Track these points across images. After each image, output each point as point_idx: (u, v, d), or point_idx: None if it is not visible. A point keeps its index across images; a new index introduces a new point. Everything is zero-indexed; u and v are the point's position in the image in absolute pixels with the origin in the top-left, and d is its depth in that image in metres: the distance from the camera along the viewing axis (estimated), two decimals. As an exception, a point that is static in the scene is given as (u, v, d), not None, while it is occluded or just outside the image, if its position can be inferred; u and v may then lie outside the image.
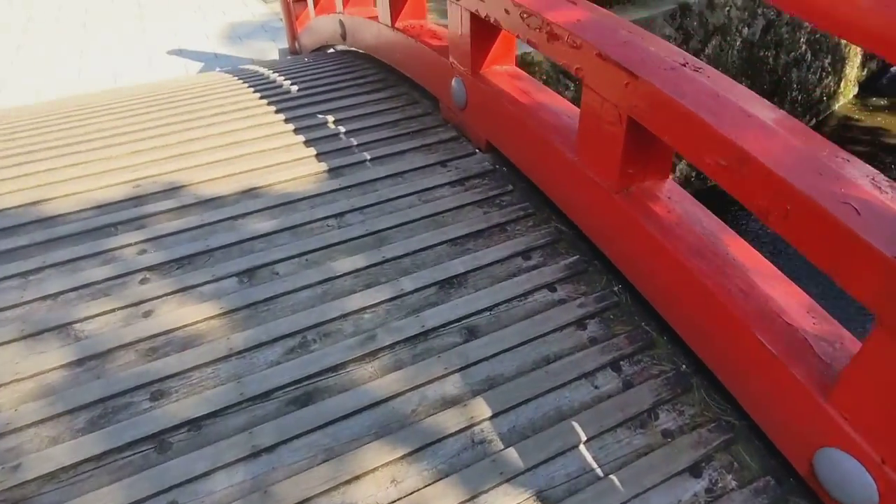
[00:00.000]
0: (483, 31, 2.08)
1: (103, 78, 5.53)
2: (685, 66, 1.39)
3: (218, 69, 5.69)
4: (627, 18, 6.99)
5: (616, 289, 1.71)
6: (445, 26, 2.34)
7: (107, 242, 1.88)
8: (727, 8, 7.38)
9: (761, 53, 8.12)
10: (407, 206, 2.02)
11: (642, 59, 1.42)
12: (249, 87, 3.19)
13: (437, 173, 2.19)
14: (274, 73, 3.49)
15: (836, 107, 9.62)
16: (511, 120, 2.02)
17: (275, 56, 5.68)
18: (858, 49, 9.80)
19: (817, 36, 8.85)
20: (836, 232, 1.02)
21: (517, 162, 2.10)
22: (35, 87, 5.37)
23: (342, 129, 2.52)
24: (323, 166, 2.24)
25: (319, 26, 4.17)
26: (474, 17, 2.05)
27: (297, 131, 2.52)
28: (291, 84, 3.14)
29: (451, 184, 2.12)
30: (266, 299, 1.66)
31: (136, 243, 1.88)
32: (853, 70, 9.86)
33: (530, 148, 1.97)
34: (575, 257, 1.80)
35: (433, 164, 2.24)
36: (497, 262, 1.79)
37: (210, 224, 1.95)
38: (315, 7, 4.24)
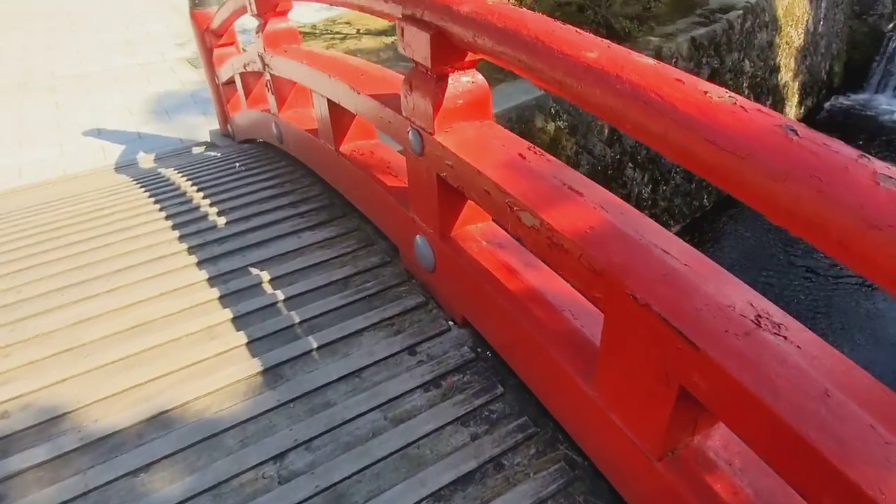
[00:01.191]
0: (453, 194, 1.66)
1: (5, 172, 4.83)
2: (760, 324, 0.99)
3: (142, 153, 5.10)
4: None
5: (661, 568, 1.27)
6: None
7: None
8: (674, 60, 7.35)
9: (709, 101, 8.14)
10: (370, 431, 1.54)
11: (699, 314, 1.01)
12: (166, 216, 2.66)
13: (404, 368, 1.72)
14: (198, 189, 2.97)
15: (781, 145, 9.78)
16: (496, 309, 1.59)
17: (206, 136, 5.14)
18: (795, 87, 10.10)
19: (758, 80, 9.03)
20: None
21: (507, 358, 1.66)
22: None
23: (280, 293, 2.03)
24: (257, 365, 1.74)
25: (254, 119, 3.69)
26: (442, 181, 1.63)
27: (223, 300, 2.02)
28: (217, 212, 2.64)
29: (424, 387, 1.66)
30: None
31: (-15, 538, 1.33)
32: (793, 109, 10.12)
33: (525, 354, 1.54)
34: (600, 514, 1.36)
35: (399, 353, 1.77)
36: (499, 532, 1.33)
37: (97, 489, 1.41)
38: (247, 97, 3.75)
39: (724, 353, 0.95)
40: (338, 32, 7.52)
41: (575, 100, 1.10)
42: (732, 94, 0.91)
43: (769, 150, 0.81)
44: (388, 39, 6.91)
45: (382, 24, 7.20)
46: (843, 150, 0.77)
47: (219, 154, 3.88)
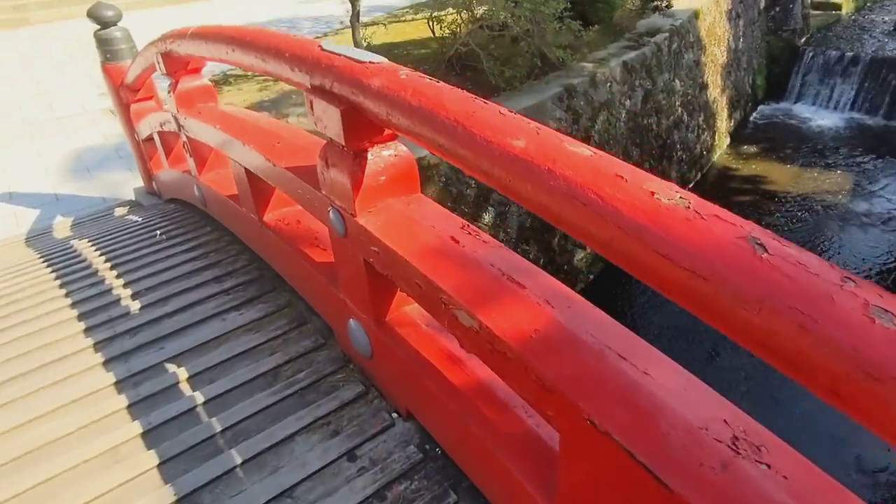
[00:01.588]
0: (383, 279, 1.48)
1: None
2: (738, 449, 0.84)
3: (59, 218, 4.73)
4: (516, 106, 6.84)
5: None
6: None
7: None
8: (608, 84, 7.49)
9: (644, 122, 8.34)
10: (305, 569, 1.32)
11: (668, 442, 0.86)
12: (73, 303, 2.37)
13: (343, 479, 1.51)
14: (112, 266, 2.69)
15: (715, 158, 10.13)
16: (438, 406, 1.41)
17: (130, 194, 4.80)
18: (724, 102, 10.50)
19: (689, 97, 9.32)
20: None
21: (456, 459, 1.47)
22: None
23: (200, 395, 1.78)
24: (169, 493, 1.48)
25: (176, 179, 3.43)
26: (370, 267, 1.45)
27: (132, 410, 1.76)
28: (132, 295, 2.37)
29: (367, 502, 1.45)
30: None
31: None
32: (723, 122, 10.49)
33: (475, 459, 1.36)
34: None
35: (337, 459, 1.55)
36: None
37: None
38: (167, 156, 3.49)
39: (701, 496, 0.80)
40: (270, 74, 7.30)
41: (508, 193, 0.95)
42: (683, 193, 0.77)
43: (735, 270, 0.67)
44: (322, 79, 6.74)
45: (315, 64, 7.02)
46: (824, 273, 0.63)
47: (140, 219, 3.58)
